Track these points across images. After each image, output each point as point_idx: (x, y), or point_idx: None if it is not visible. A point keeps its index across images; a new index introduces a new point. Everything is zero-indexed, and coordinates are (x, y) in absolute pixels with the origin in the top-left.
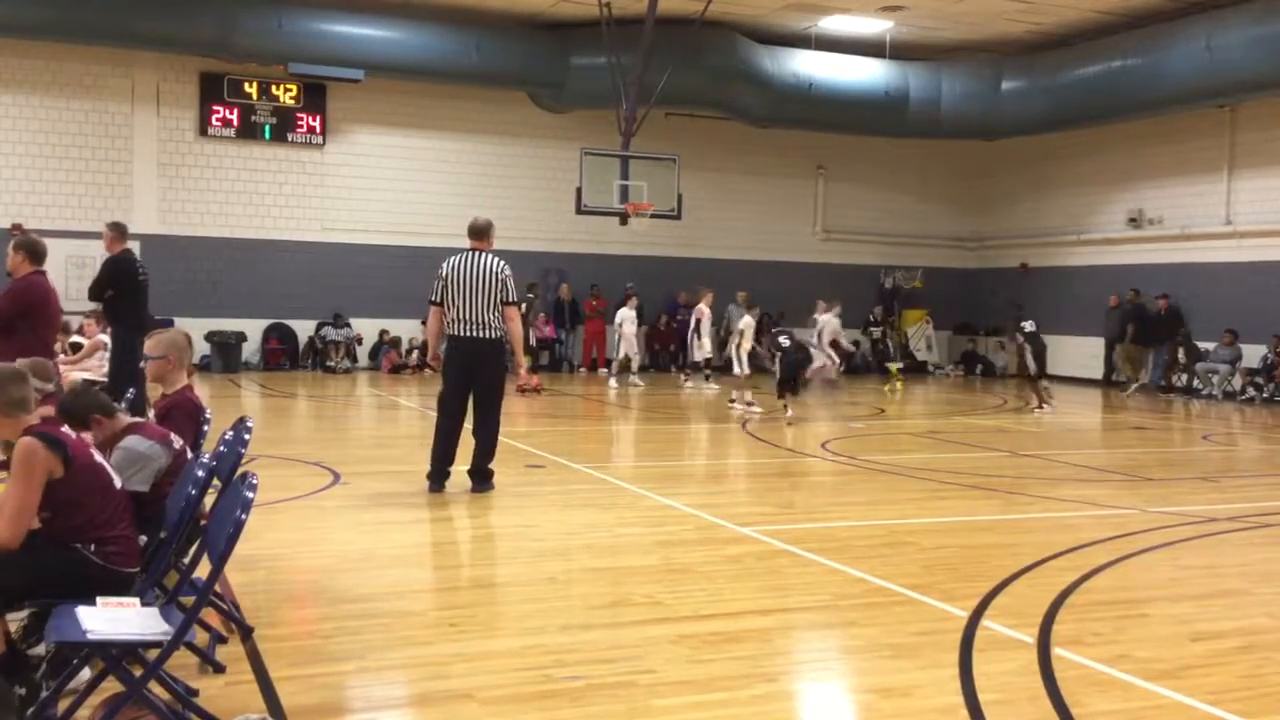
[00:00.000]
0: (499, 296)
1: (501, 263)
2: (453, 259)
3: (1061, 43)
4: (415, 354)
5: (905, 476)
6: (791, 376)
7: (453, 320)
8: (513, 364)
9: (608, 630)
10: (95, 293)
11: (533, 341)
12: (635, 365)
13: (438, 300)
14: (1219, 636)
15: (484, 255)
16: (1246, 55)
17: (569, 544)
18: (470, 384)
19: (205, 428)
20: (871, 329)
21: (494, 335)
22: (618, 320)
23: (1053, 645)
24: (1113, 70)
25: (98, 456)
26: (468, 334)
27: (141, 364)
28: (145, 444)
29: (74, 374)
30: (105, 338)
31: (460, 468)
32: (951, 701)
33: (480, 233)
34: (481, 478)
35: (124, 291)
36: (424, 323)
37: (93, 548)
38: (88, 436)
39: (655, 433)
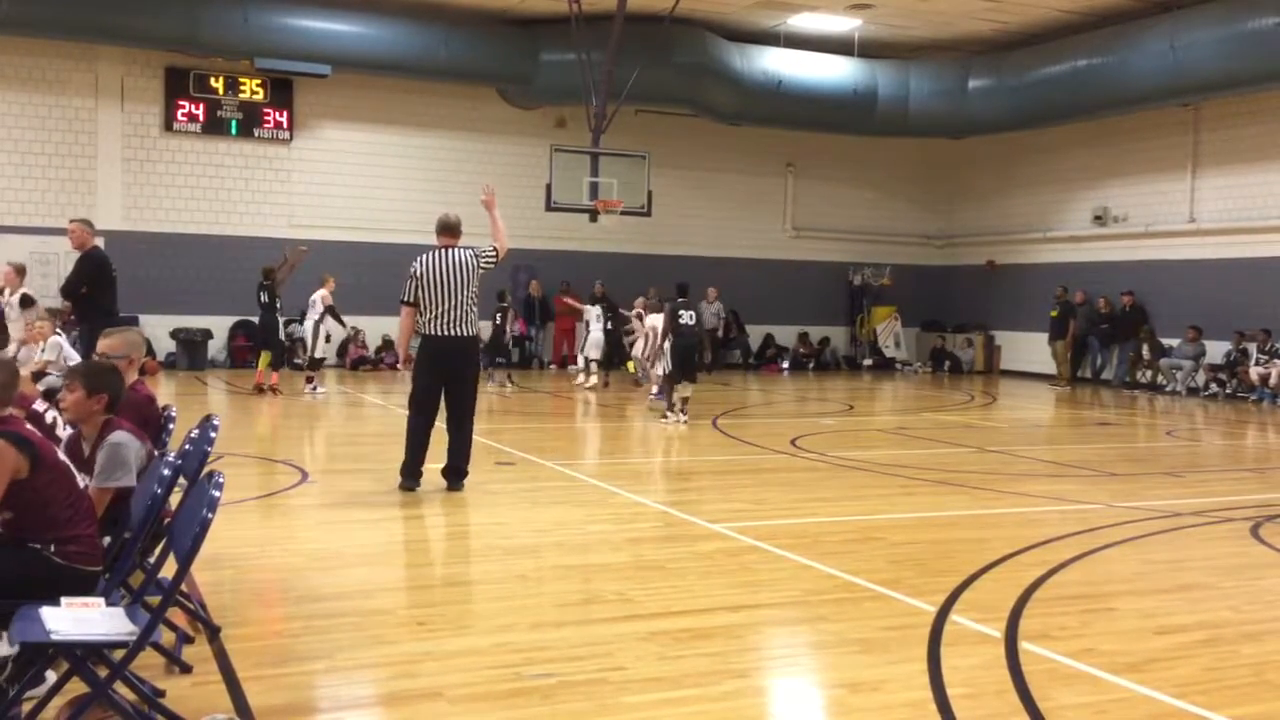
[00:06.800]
0: (475, 288)
1: (469, 252)
2: (425, 257)
3: (1028, 42)
4: (385, 353)
5: (874, 472)
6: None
7: (430, 320)
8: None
9: (578, 628)
10: (70, 290)
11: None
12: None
13: (411, 300)
14: (1183, 630)
15: (457, 251)
16: (1210, 55)
17: (539, 541)
18: (446, 382)
19: (171, 425)
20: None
21: (472, 332)
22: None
23: (1020, 639)
24: (1078, 69)
25: (62, 456)
26: (446, 333)
27: None
28: (135, 444)
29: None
30: (58, 339)
31: (431, 465)
32: (920, 696)
33: (453, 229)
34: (458, 477)
35: (99, 288)
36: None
37: (53, 547)
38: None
39: (624, 430)
